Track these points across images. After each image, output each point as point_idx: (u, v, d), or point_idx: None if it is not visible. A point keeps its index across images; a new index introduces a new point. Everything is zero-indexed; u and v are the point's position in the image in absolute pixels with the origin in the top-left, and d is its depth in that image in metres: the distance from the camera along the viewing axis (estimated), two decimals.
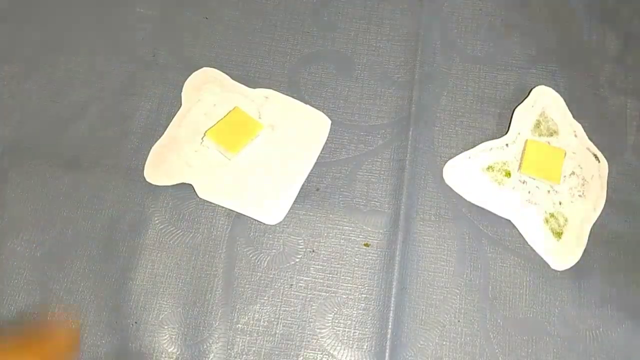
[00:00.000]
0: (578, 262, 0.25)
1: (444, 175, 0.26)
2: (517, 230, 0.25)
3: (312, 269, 0.25)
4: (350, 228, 0.25)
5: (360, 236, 0.25)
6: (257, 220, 0.25)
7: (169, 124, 0.27)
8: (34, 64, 0.28)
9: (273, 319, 0.24)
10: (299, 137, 0.27)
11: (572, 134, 0.27)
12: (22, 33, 0.28)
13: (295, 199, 0.25)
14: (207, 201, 0.25)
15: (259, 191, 0.25)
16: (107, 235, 0.25)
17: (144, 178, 0.26)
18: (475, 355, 0.23)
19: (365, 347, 0.23)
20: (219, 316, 0.24)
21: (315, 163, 0.26)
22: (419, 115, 0.27)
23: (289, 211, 0.25)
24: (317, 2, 0.30)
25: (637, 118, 0.27)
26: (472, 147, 0.27)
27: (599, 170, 0.26)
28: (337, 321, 0.24)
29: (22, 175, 0.25)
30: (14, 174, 0.25)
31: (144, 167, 0.26)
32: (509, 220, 0.25)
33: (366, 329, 0.24)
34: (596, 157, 0.27)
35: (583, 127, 0.27)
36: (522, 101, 0.27)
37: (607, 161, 0.26)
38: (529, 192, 0.26)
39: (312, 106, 0.27)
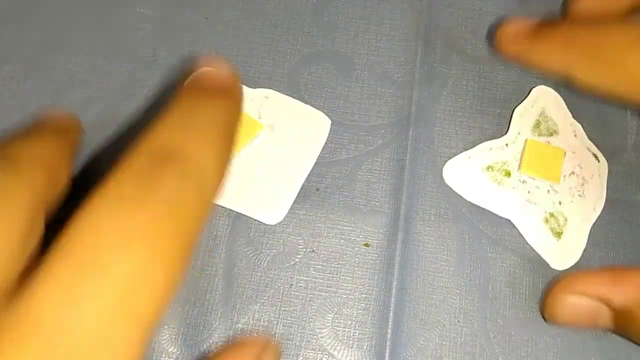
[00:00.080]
0: (578, 261, 0.25)
1: (444, 175, 0.26)
2: (517, 230, 0.25)
3: (312, 269, 0.25)
4: (350, 228, 0.25)
5: (360, 236, 0.25)
6: (257, 220, 0.25)
7: None
8: (34, 64, 0.28)
9: (273, 319, 0.24)
10: (299, 137, 0.27)
11: (572, 134, 0.27)
12: (22, 33, 0.28)
13: (295, 199, 0.26)
14: None
15: (259, 191, 0.26)
16: None
17: None
18: (475, 355, 0.23)
19: (365, 347, 0.23)
20: (219, 316, 0.24)
21: (315, 163, 0.26)
22: (419, 115, 0.27)
23: (289, 211, 0.25)
24: (317, 2, 0.30)
25: (637, 118, 0.27)
26: (472, 147, 0.27)
27: (598, 170, 0.26)
28: (337, 321, 0.24)
29: None
30: None
31: None
32: (509, 220, 0.25)
33: (366, 329, 0.24)
34: (596, 156, 0.27)
35: (583, 127, 0.27)
36: (521, 101, 0.27)
37: (607, 161, 0.26)
38: (529, 191, 0.26)
39: (312, 106, 0.27)
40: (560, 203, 0.25)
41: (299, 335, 0.24)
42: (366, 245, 0.25)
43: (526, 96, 0.28)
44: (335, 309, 0.24)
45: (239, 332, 0.24)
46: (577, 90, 0.27)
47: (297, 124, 0.27)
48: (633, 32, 0.20)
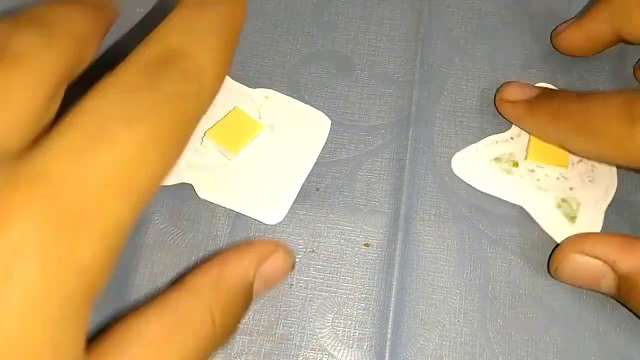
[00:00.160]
0: None
1: (453, 167, 0.26)
2: (517, 230, 0.25)
3: (312, 269, 0.25)
4: (350, 228, 0.25)
5: (360, 236, 0.25)
6: (257, 220, 0.25)
7: None
8: None
9: (273, 319, 0.24)
10: (299, 137, 0.27)
11: None
12: None
13: (295, 199, 0.25)
14: (207, 201, 0.25)
15: (259, 191, 0.26)
16: None
17: None
18: (475, 355, 0.23)
19: (365, 347, 0.23)
20: None
21: (315, 163, 0.26)
22: (419, 115, 0.27)
23: (289, 211, 0.25)
24: (317, 2, 0.30)
25: None
26: (477, 141, 0.27)
27: None
28: (337, 321, 0.24)
29: None
30: None
31: None
32: (509, 220, 0.25)
33: (366, 329, 0.24)
34: None
35: None
36: None
37: None
38: (538, 179, 0.26)
39: (312, 106, 0.27)
40: (571, 189, 0.25)
41: (299, 335, 0.24)
42: (366, 245, 0.25)
43: None
44: (335, 309, 0.24)
45: (238, 332, 0.24)
46: (575, 84, 0.28)
47: (297, 124, 0.27)
48: (615, 102, 0.22)
